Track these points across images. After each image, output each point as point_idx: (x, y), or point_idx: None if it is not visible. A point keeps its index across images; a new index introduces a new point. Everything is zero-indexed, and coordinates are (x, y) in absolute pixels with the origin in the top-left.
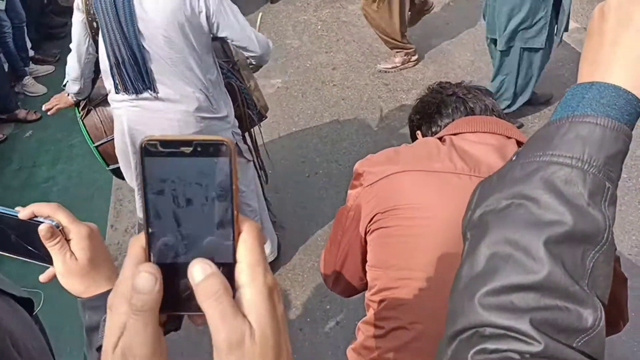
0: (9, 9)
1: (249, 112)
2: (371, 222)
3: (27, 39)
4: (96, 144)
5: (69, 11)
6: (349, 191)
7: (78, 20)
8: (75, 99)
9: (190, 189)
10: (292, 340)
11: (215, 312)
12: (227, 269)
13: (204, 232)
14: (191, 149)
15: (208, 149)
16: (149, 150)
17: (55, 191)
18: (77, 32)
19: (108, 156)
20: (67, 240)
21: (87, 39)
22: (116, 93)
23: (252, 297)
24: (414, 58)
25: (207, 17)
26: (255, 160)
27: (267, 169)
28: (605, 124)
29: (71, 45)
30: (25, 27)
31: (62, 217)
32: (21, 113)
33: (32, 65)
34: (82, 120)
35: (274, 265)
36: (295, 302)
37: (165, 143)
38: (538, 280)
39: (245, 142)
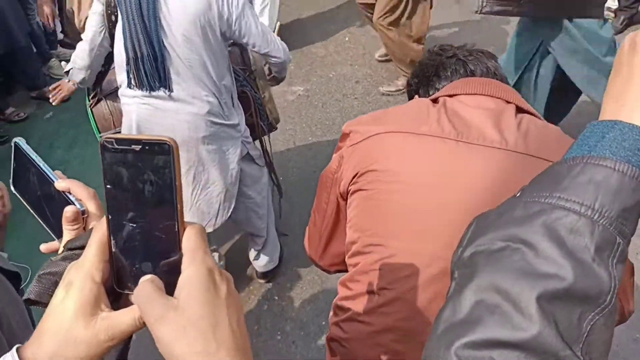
0: None
1: (260, 123)
2: (352, 182)
3: (57, 22)
4: (103, 135)
5: None
6: (334, 154)
7: (96, 11)
8: (77, 87)
9: (139, 182)
10: (284, 353)
11: (140, 297)
12: (172, 259)
13: (154, 222)
14: (140, 146)
15: (154, 147)
16: (106, 147)
17: (69, 175)
18: (94, 23)
19: None
20: (84, 229)
21: (104, 31)
22: (129, 88)
23: (187, 276)
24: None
25: (230, 23)
26: (268, 168)
27: (279, 177)
28: (624, 171)
29: (84, 35)
30: (56, 10)
31: (92, 207)
32: (47, 92)
33: (59, 48)
34: (91, 109)
35: (274, 275)
36: (290, 314)
37: (119, 141)
38: (525, 338)
39: (256, 148)
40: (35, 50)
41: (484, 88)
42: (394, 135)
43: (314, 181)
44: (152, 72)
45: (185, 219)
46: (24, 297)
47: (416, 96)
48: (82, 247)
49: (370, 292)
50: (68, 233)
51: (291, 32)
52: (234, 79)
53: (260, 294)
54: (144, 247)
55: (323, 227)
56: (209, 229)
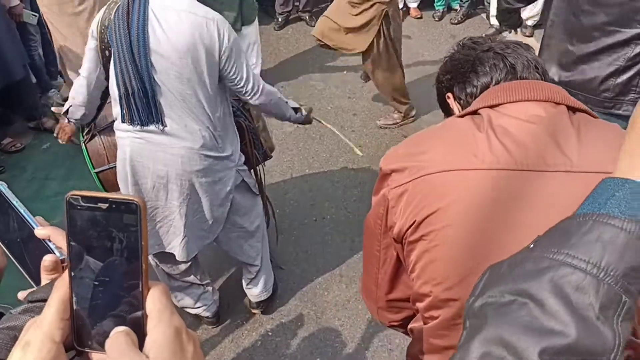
0: (42, 24)
1: (254, 152)
2: (408, 230)
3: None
4: (97, 170)
5: None
6: (375, 196)
7: (91, 47)
8: (75, 125)
9: (105, 240)
10: None
11: (114, 350)
12: (136, 318)
13: (117, 281)
14: (107, 205)
15: (121, 207)
16: (72, 204)
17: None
18: (89, 59)
19: (108, 183)
20: None
21: (99, 66)
22: (122, 122)
23: (155, 336)
24: (412, 113)
25: (220, 56)
26: (262, 197)
27: (275, 209)
28: (631, 230)
29: (80, 71)
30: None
31: None
32: (48, 122)
33: (59, 79)
34: (85, 145)
35: (268, 308)
36: (284, 351)
37: (85, 198)
38: None
39: (251, 176)
40: (35, 80)
41: (529, 92)
42: (445, 174)
43: (310, 215)
44: (144, 108)
45: (167, 249)
46: None
47: (449, 94)
48: (43, 300)
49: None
50: (46, 282)
51: (290, 66)
52: (230, 110)
53: (254, 329)
54: (106, 305)
55: (379, 276)
56: (191, 255)
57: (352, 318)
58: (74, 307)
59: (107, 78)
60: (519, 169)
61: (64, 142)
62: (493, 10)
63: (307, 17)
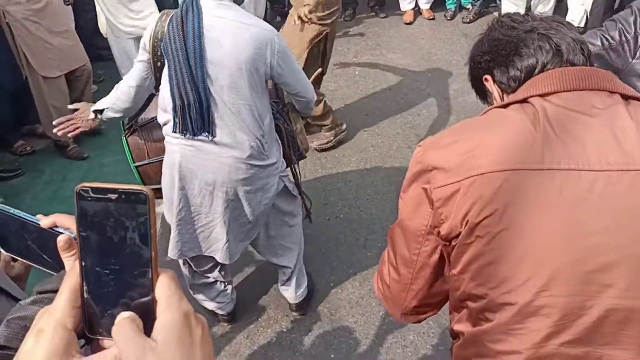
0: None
1: (291, 153)
2: (462, 231)
3: None
4: (137, 164)
5: None
6: (408, 192)
7: (143, 59)
8: (102, 124)
9: (115, 230)
10: None
11: (120, 336)
12: (145, 305)
13: (128, 269)
14: (116, 195)
15: (130, 197)
16: (82, 195)
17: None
18: (138, 71)
19: (147, 177)
20: None
21: (150, 77)
22: (173, 132)
23: (164, 320)
24: (343, 127)
25: (271, 64)
26: (300, 195)
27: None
28: None
29: (126, 79)
30: None
31: None
32: (40, 129)
33: None
34: (126, 139)
35: (307, 304)
36: (298, 347)
37: (95, 190)
38: None
39: (291, 180)
40: None
41: (582, 80)
42: (501, 175)
43: (323, 214)
44: (197, 118)
45: (208, 252)
46: None
47: (487, 76)
48: (52, 291)
49: (516, 352)
50: (68, 262)
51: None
52: (272, 115)
53: (269, 326)
54: (116, 293)
55: (414, 282)
56: (236, 257)
57: (366, 315)
58: (85, 295)
59: (156, 87)
60: (580, 168)
61: (72, 135)
62: (505, 8)
63: None
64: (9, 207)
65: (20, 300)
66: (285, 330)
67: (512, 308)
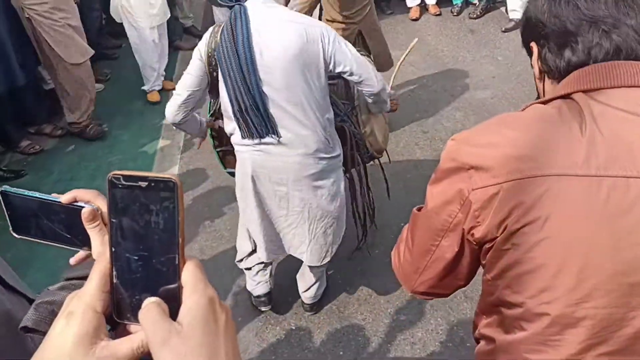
0: None
1: (357, 155)
2: (499, 236)
3: None
4: (218, 150)
5: (124, 33)
6: (438, 187)
7: (198, 68)
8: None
9: (144, 216)
10: None
11: (146, 320)
12: (172, 291)
13: (155, 255)
14: (146, 183)
15: (159, 185)
16: (114, 183)
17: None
18: (195, 81)
19: (227, 161)
20: (105, 225)
21: (207, 87)
22: (242, 138)
23: (190, 305)
24: None
25: (325, 58)
26: (362, 199)
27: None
28: None
29: (179, 91)
30: None
31: (101, 203)
32: (47, 128)
33: None
34: (217, 151)
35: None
36: (307, 344)
37: (126, 177)
38: None
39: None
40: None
41: (631, 77)
42: (545, 180)
43: None
44: (259, 122)
45: (295, 253)
46: (20, 326)
47: (534, 45)
48: (80, 278)
49: None
50: (93, 233)
51: None
52: (332, 110)
53: (277, 323)
54: (144, 278)
55: (426, 268)
56: (327, 259)
57: (374, 313)
58: (114, 280)
59: (216, 96)
60: (627, 175)
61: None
62: (511, 4)
63: None
64: (23, 190)
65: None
66: (294, 327)
67: (550, 318)
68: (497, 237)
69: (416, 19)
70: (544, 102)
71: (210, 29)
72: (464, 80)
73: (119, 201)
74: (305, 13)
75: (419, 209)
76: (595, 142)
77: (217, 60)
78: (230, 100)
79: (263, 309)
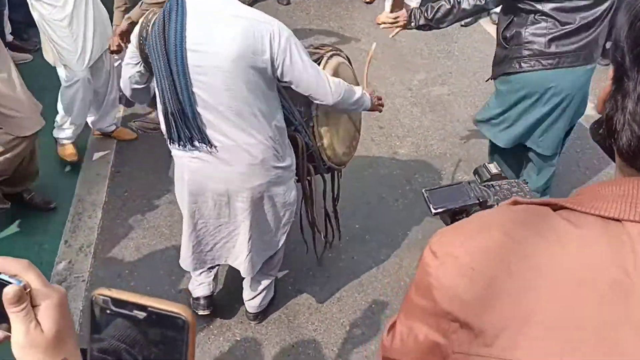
0: None
1: (310, 167)
2: None
3: (6, 24)
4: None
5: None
6: (409, 325)
7: (134, 54)
8: None
9: (139, 356)
10: None
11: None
12: None
13: None
14: (144, 314)
15: (163, 320)
16: (99, 306)
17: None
18: (132, 61)
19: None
20: (33, 307)
21: (140, 67)
22: (170, 143)
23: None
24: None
25: (272, 60)
26: (308, 207)
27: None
28: None
29: (124, 62)
30: (5, 12)
31: (32, 278)
32: None
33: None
34: None
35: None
36: (252, 357)
37: (117, 302)
38: None
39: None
40: None
41: None
42: None
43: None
44: (183, 129)
45: (233, 264)
46: None
47: (628, 80)
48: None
49: None
50: (17, 319)
51: None
52: (282, 117)
53: (221, 333)
54: None
55: None
56: (256, 270)
57: (326, 322)
58: None
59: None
60: None
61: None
62: None
63: None
64: None
65: None
66: (239, 338)
67: None
68: None
69: (370, 2)
70: (575, 209)
71: (145, 14)
72: (422, 74)
73: (105, 331)
74: None
75: (389, 329)
76: None
77: (148, 54)
78: (159, 100)
79: (200, 312)
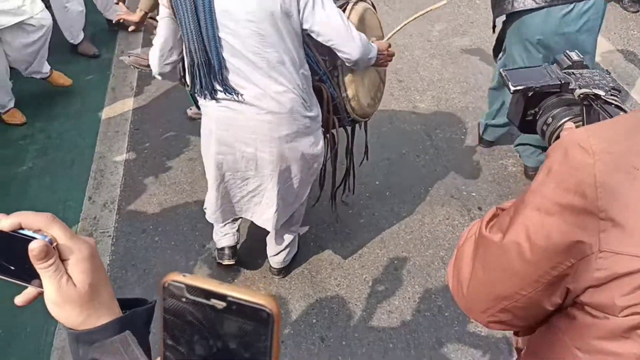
0: None
1: (334, 118)
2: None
3: None
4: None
5: None
6: (550, 220)
7: (164, 15)
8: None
9: (215, 349)
10: None
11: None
12: None
13: None
14: (224, 304)
15: (244, 311)
16: (173, 293)
17: (32, 151)
18: (164, 28)
19: None
20: (63, 261)
21: (177, 34)
22: (197, 96)
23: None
24: None
25: (299, 8)
26: (331, 161)
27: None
28: None
29: (154, 41)
30: None
31: (57, 231)
32: None
33: None
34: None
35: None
36: None
37: (193, 289)
38: None
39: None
40: None
41: None
42: None
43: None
44: (209, 81)
45: (258, 221)
46: None
47: None
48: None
49: None
50: (46, 275)
51: None
52: (308, 66)
53: (245, 287)
54: None
55: (500, 309)
56: (284, 218)
57: (349, 278)
58: None
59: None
60: None
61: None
62: None
63: None
64: None
65: None
66: (263, 292)
67: None
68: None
69: None
70: None
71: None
72: (441, 24)
73: (179, 320)
74: None
75: (489, 223)
76: None
77: (174, 5)
78: (186, 53)
79: (226, 262)
